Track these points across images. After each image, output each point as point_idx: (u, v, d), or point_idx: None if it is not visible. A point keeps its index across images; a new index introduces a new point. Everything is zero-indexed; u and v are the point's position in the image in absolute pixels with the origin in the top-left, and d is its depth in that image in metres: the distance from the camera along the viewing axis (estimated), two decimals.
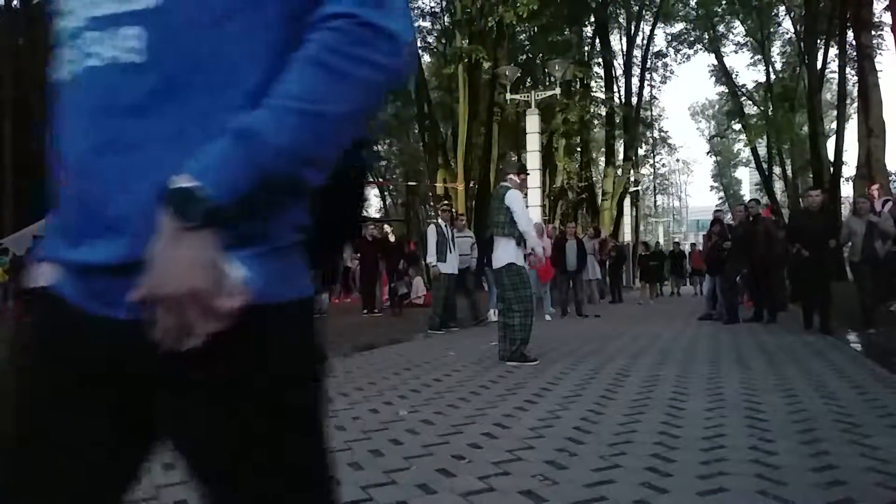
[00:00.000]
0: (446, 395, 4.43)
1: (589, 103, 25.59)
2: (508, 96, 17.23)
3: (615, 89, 31.33)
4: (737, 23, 30.58)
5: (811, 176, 24.52)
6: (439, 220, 9.55)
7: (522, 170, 6.55)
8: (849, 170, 24.30)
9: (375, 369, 5.68)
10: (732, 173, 62.04)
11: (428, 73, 27.87)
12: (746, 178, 66.43)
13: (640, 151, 38.95)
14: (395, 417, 3.80)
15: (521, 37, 25.83)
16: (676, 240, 36.82)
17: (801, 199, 9.38)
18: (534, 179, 13.63)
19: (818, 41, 24.84)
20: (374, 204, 46.01)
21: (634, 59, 32.52)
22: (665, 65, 36.11)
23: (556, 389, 4.52)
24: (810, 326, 7.84)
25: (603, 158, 32.75)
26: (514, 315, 5.79)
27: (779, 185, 36.31)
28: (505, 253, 5.90)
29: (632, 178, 31.78)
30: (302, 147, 0.73)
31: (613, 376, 5.00)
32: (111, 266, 0.76)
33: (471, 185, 21.27)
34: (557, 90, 16.98)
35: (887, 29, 20.04)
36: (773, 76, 30.03)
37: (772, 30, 30.51)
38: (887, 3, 17.06)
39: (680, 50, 33.83)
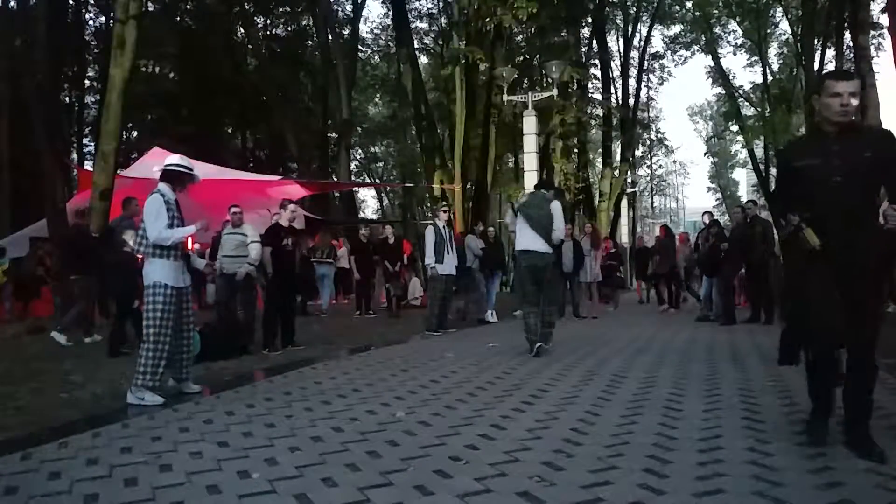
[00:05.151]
0: (443, 396, 4.43)
1: (586, 105, 25.60)
2: (506, 98, 17.23)
3: (612, 91, 31.41)
4: (734, 24, 30.62)
5: None
6: (437, 222, 9.50)
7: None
8: None
9: (372, 371, 5.68)
10: (730, 174, 62.21)
11: (425, 75, 27.83)
12: (744, 180, 66.59)
13: (637, 153, 39.01)
14: (393, 419, 3.79)
15: (519, 38, 25.84)
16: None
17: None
18: (531, 181, 13.65)
19: (816, 42, 24.88)
20: (371, 205, 46.15)
21: (632, 61, 32.61)
22: (662, 66, 36.27)
23: (553, 391, 4.52)
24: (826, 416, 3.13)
25: (600, 160, 32.75)
26: (554, 311, 6.95)
27: None
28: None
29: (629, 180, 31.83)
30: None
31: (610, 378, 5.00)
32: None
33: (468, 186, 21.21)
34: (555, 92, 16.98)
35: (885, 30, 20.08)
36: (770, 77, 30.07)
37: (769, 31, 30.55)
38: (885, 4, 17.10)
39: (677, 51, 33.97)
